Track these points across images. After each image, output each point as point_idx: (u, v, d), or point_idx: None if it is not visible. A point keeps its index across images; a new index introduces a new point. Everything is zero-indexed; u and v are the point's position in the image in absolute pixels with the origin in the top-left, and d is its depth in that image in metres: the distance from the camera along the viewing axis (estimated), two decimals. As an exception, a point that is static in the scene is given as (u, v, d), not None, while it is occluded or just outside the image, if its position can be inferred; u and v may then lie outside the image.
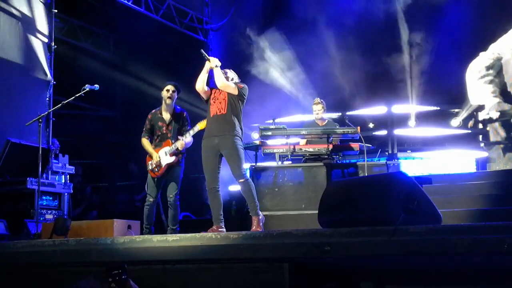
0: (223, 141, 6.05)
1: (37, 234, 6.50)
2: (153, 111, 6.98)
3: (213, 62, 6.22)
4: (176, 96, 6.93)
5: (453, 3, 10.82)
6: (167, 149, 6.73)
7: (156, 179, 6.77)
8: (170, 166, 6.73)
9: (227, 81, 6.22)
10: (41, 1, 9.22)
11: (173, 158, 6.70)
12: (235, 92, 6.18)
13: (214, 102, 6.22)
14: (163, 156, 6.72)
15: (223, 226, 6.06)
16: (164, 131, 6.85)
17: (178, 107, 6.99)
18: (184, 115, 6.95)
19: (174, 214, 6.71)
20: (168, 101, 6.83)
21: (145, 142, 6.92)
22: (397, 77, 11.51)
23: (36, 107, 8.55)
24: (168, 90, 6.85)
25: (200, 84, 6.22)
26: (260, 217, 6.06)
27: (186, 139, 6.73)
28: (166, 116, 6.89)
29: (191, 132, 6.69)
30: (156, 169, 6.73)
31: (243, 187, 6.05)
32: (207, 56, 6.28)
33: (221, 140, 6.06)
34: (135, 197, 11.68)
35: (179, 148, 6.69)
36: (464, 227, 3.87)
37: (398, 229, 3.85)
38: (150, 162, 6.79)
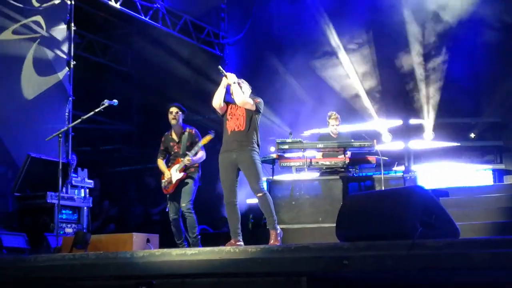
0: (241, 155, 6.08)
1: (57, 248, 6.56)
2: (166, 133, 7.27)
3: (230, 79, 6.23)
4: (182, 116, 7.15)
5: (469, 17, 10.82)
6: (177, 166, 6.99)
7: (170, 195, 6.99)
8: (181, 180, 6.94)
9: (246, 98, 6.23)
10: (60, 17, 9.37)
11: (182, 174, 6.94)
12: (253, 108, 6.21)
13: (231, 117, 6.24)
14: (174, 173, 6.98)
15: (241, 239, 6.09)
16: (176, 150, 7.12)
17: (186, 126, 7.19)
18: (193, 132, 7.13)
19: (190, 222, 6.87)
20: (173, 121, 7.08)
21: (159, 162, 7.23)
22: (413, 90, 11.52)
23: (55, 122, 8.67)
24: (171, 112, 7.11)
25: (217, 101, 6.24)
26: (278, 231, 6.09)
27: (195, 156, 6.95)
28: (175, 136, 7.16)
29: (196, 149, 6.94)
30: (167, 186, 6.99)
31: (261, 201, 6.08)
32: (225, 72, 6.31)
33: (239, 155, 6.09)
34: (152, 210, 11.73)
35: (186, 163, 6.92)
36: (483, 241, 3.86)
37: (416, 243, 3.85)
38: (163, 181, 7.05)
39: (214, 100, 6.26)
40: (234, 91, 6.21)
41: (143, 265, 4.71)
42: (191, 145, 7.05)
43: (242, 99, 6.17)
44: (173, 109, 7.09)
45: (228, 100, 6.37)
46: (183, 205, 6.86)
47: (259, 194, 6.05)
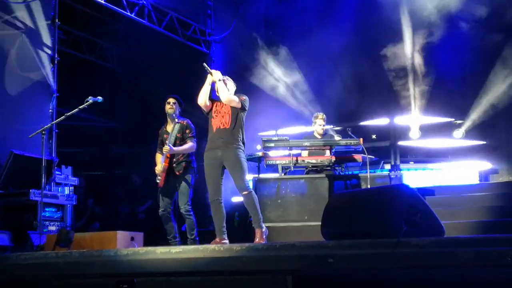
0: (226, 153, 6.06)
1: (41, 246, 6.50)
2: (162, 126, 7.23)
3: (215, 76, 6.20)
4: (179, 108, 7.14)
5: (458, 15, 10.85)
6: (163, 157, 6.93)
7: (161, 190, 6.93)
8: (176, 177, 6.89)
9: (232, 96, 6.20)
10: (44, 13, 9.27)
11: (163, 164, 6.89)
12: (239, 105, 6.18)
13: (217, 115, 6.21)
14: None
15: (226, 238, 6.07)
16: (168, 142, 6.99)
17: (180, 118, 7.13)
18: (184, 123, 7.08)
19: (189, 223, 6.90)
20: (170, 111, 7.07)
21: (157, 156, 7.17)
22: (400, 88, 11.54)
23: (39, 119, 8.57)
24: (169, 102, 7.12)
25: (203, 99, 6.21)
26: (264, 230, 6.07)
27: (180, 147, 6.91)
28: (170, 128, 7.11)
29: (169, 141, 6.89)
30: (158, 179, 6.89)
31: (246, 199, 6.05)
32: (209, 69, 6.27)
33: (224, 152, 6.06)
34: (137, 208, 11.67)
35: (164, 152, 6.89)
36: (467, 239, 3.87)
37: (401, 242, 3.84)
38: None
39: (200, 97, 6.23)
40: (219, 89, 6.18)
41: (127, 263, 4.67)
42: (182, 136, 7.02)
43: (228, 97, 6.14)
44: (171, 100, 7.11)
45: (214, 97, 6.34)
46: (182, 207, 6.88)
47: (245, 192, 6.03)
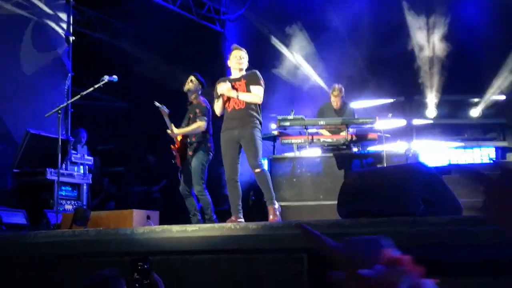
0: (243, 131, 6.03)
1: (57, 225, 6.54)
2: (187, 103, 7.24)
3: (222, 90, 6.13)
4: (196, 86, 7.07)
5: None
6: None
7: (181, 169, 7.01)
8: (190, 157, 6.86)
9: (251, 98, 6.11)
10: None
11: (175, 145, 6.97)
12: (260, 101, 6.13)
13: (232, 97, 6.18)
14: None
15: (241, 216, 6.07)
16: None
17: (201, 97, 7.09)
18: (195, 102, 7.04)
19: (203, 203, 6.89)
20: (185, 87, 7.08)
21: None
22: (416, 66, 11.41)
23: (55, 98, 8.58)
24: (187, 80, 7.08)
25: (219, 111, 6.25)
26: (276, 206, 6.05)
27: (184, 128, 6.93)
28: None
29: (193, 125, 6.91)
30: (174, 151, 7.04)
31: (259, 177, 6.04)
32: (218, 92, 6.17)
33: (240, 131, 6.04)
34: (152, 188, 11.69)
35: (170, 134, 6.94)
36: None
37: (418, 220, 3.82)
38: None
39: (216, 112, 6.28)
40: (239, 98, 6.10)
41: (143, 242, 4.69)
42: (194, 116, 6.98)
43: (249, 101, 6.09)
44: (190, 77, 7.08)
45: (229, 75, 6.29)
46: (195, 187, 6.87)
47: (257, 170, 6.01)
